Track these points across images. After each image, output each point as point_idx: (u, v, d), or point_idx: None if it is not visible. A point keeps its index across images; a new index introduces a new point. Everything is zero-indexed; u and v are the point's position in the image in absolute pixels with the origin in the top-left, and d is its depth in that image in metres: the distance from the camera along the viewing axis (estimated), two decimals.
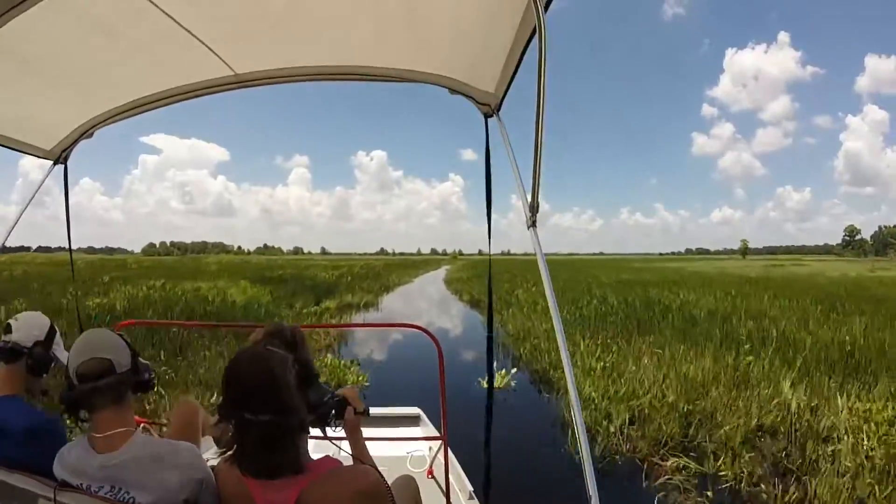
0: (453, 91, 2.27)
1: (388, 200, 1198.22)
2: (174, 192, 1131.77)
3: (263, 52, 2.16)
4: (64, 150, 2.80)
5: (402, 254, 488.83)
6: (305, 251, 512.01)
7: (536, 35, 1.44)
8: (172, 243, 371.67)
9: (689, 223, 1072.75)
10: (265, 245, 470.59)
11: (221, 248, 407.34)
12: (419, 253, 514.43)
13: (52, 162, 2.82)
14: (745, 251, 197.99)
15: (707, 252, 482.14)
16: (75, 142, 2.75)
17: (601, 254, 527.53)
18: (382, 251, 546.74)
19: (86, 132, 2.68)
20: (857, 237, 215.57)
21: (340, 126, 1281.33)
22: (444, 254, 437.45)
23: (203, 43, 1.96)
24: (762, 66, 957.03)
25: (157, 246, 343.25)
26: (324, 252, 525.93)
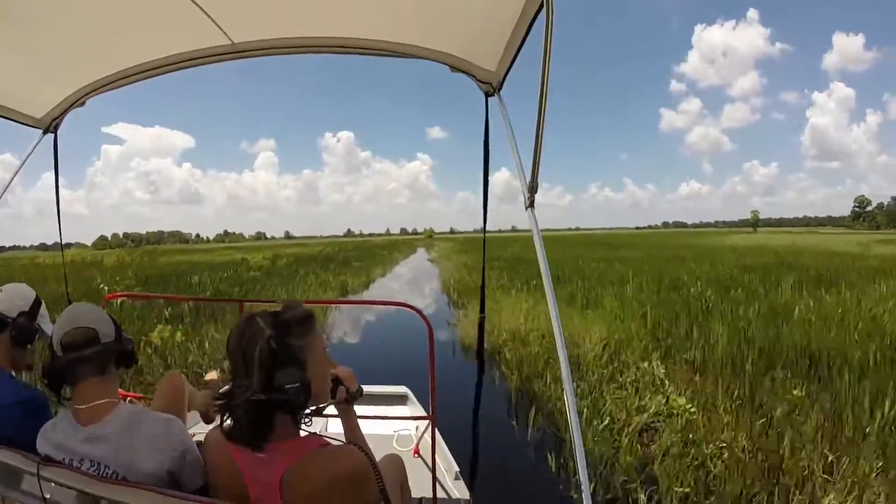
0: (454, 69, 2.25)
1: (356, 182, 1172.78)
2: (139, 182, 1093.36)
3: (262, 22, 2.10)
4: (54, 119, 2.73)
5: (370, 235, 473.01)
6: (269, 236, 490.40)
7: (543, 12, 1.42)
8: (125, 234, 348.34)
9: (657, 198, 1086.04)
10: (226, 232, 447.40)
11: (179, 237, 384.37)
12: (388, 233, 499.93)
13: (41, 131, 2.76)
14: (756, 223, 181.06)
15: (684, 226, 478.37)
16: (66, 110, 2.69)
17: (577, 229, 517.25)
18: (350, 233, 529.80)
19: (77, 101, 2.61)
20: (868, 208, 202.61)
21: (305, 107, 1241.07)
22: (415, 233, 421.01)
23: (201, 9, 1.89)
24: (731, 43, 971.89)
25: (109, 238, 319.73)
26: (288, 236, 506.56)
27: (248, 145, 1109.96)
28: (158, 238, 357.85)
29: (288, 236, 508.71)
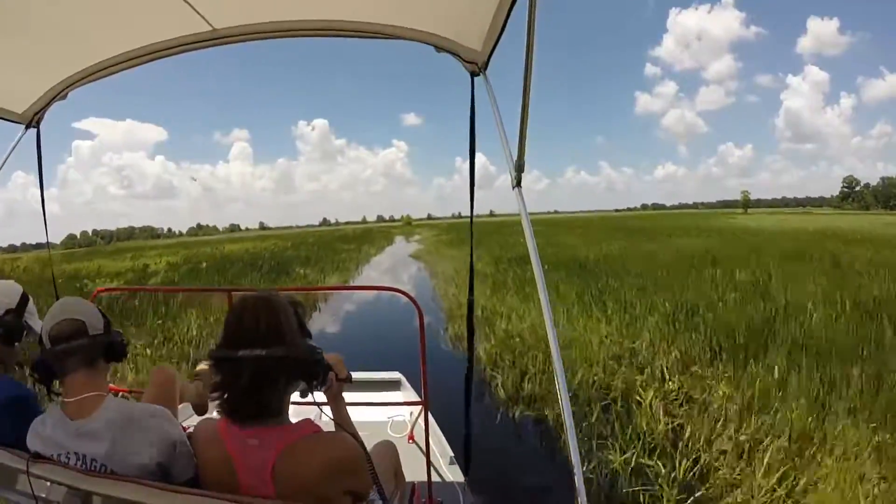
0: (439, 49, 2.26)
1: (332, 170, 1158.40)
2: (112, 177, 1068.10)
3: (243, 7, 2.12)
4: (36, 114, 2.73)
5: (346, 223, 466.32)
6: (243, 227, 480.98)
7: None
8: (95, 231, 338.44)
9: (633, 180, 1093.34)
10: (198, 225, 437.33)
11: (150, 232, 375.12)
12: (365, 221, 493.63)
13: (24, 126, 2.76)
14: (747, 203, 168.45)
15: (663, 207, 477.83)
16: (48, 104, 2.69)
17: (555, 212, 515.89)
18: (325, 222, 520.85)
19: (59, 94, 2.61)
20: (857, 188, 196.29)
21: (278, 95, 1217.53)
22: (392, 220, 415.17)
23: None
24: (706, 27, 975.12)
25: (79, 237, 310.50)
26: (262, 227, 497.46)
27: (221, 136, 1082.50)
28: (129, 234, 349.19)
29: (263, 227, 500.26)
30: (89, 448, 1.34)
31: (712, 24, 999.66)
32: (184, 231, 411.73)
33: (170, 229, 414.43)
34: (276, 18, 2.16)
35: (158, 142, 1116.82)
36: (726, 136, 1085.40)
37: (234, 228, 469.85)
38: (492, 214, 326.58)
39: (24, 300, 1.82)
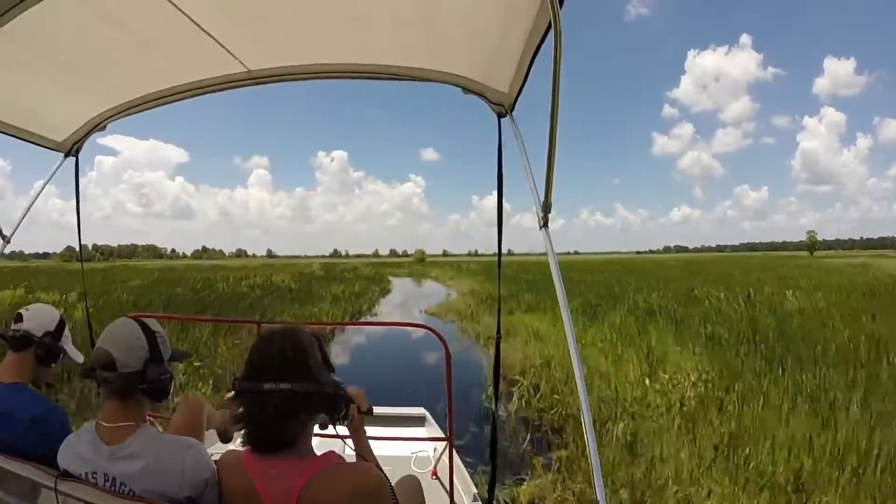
0: (467, 91, 2.30)
1: (348, 201, 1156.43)
2: (131, 194, 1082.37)
3: (277, 50, 2.20)
4: (75, 143, 2.82)
5: (358, 255, 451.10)
6: (250, 254, 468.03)
7: (552, 32, 1.44)
8: (95, 246, 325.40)
9: (648, 222, 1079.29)
10: (204, 248, 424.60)
11: (153, 251, 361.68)
12: (377, 254, 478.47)
13: (63, 154, 2.84)
14: (813, 246, 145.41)
15: (686, 250, 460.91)
16: (87, 135, 2.78)
17: (576, 253, 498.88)
18: (336, 253, 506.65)
19: (98, 125, 2.71)
20: None
21: (299, 125, 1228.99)
22: (405, 254, 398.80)
23: (215, 40, 2.00)
24: (723, 68, 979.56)
25: (78, 249, 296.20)
26: (270, 255, 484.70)
27: (241, 161, 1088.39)
28: (131, 252, 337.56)
29: (270, 255, 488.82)
30: (120, 470, 1.34)
31: (730, 66, 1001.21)
32: (188, 253, 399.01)
33: (174, 250, 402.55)
34: (308, 62, 2.26)
35: (180, 163, 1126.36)
36: (742, 179, 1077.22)
37: (240, 254, 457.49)
38: (510, 253, 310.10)
39: (61, 325, 1.91)
